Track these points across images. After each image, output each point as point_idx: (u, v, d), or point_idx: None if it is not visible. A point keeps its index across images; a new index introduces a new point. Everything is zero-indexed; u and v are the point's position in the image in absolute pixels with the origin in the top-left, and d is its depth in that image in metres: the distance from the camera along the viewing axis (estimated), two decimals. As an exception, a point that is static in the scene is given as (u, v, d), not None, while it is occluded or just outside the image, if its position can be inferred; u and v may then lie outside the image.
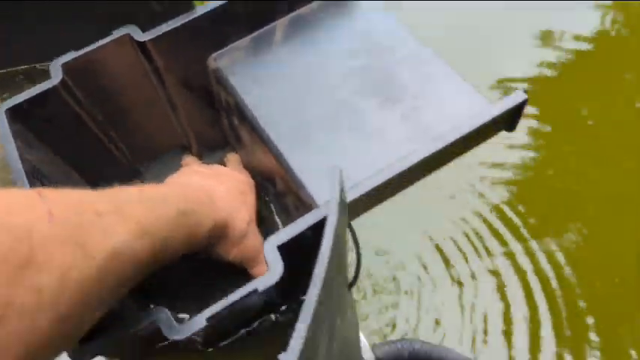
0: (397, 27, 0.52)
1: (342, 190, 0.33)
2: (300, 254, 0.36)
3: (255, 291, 0.34)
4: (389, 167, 0.38)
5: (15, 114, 0.47)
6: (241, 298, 0.34)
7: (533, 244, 1.50)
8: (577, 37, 1.98)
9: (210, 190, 0.44)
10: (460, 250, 1.53)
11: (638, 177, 1.58)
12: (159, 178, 0.59)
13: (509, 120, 0.41)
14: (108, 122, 0.55)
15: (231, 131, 0.58)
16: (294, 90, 0.50)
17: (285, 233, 0.36)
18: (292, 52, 0.52)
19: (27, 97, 0.47)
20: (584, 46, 1.99)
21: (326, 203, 0.38)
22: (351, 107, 0.47)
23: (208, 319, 0.33)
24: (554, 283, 1.44)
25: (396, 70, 0.49)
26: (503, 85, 1.89)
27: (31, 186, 0.42)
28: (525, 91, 0.39)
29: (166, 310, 0.34)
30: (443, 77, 0.47)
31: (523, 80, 1.90)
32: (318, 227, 0.37)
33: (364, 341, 1.18)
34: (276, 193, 0.52)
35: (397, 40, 0.51)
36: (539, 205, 1.56)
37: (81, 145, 0.53)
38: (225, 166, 0.58)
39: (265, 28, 0.54)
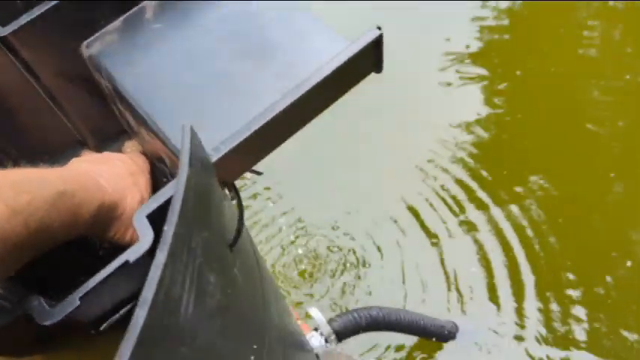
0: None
1: (196, 148, 0.33)
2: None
3: (126, 263, 0.33)
4: (254, 119, 0.38)
5: None
6: (114, 272, 0.33)
7: (503, 194, 1.56)
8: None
9: (93, 173, 0.44)
10: (434, 208, 1.57)
11: (579, 128, 1.66)
12: None
13: (373, 59, 0.41)
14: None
15: (121, 117, 0.57)
16: (169, 66, 0.49)
17: (155, 201, 0.35)
18: (164, 28, 0.51)
19: None
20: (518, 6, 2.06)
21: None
22: (228, 73, 0.47)
23: (81, 298, 0.33)
24: (529, 232, 1.50)
25: (268, 31, 0.49)
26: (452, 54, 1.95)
27: None
28: (379, 28, 0.40)
29: (39, 297, 0.33)
30: (313, 30, 0.48)
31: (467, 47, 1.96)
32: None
33: (319, 316, 1.19)
34: (171, 173, 0.52)
35: (267, 2, 0.51)
36: (505, 161, 1.63)
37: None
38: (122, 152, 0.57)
39: (135, 8, 0.53)
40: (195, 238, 0.31)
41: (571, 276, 1.43)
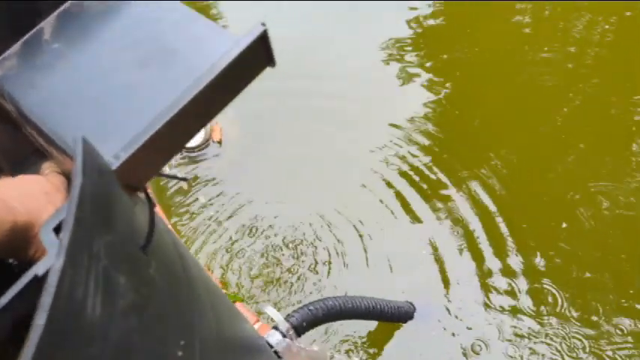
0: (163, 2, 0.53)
1: (91, 156, 0.34)
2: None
3: (35, 278, 0.34)
4: (151, 123, 0.40)
5: None
6: (24, 287, 0.34)
7: (465, 174, 1.62)
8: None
9: (3, 196, 0.44)
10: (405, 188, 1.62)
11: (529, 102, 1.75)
12: None
13: (263, 54, 0.43)
14: None
15: (34, 140, 0.57)
16: (72, 84, 0.50)
17: (59, 214, 0.36)
18: (65, 46, 0.52)
19: None
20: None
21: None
22: (130, 83, 0.48)
23: (-3, 314, 0.33)
24: (497, 188, 1.56)
25: (167, 37, 0.50)
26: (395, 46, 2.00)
27: None
28: (263, 24, 0.42)
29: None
30: (210, 33, 0.49)
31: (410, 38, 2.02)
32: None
33: (275, 314, 1.21)
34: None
35: (163, 10, 0.52)
36: (463, 145, 1.70)
37: None
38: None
39: (33, 30, 0.53)
40: (96, 243, 0.32)
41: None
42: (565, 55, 1.87)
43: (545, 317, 1.36)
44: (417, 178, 1.65)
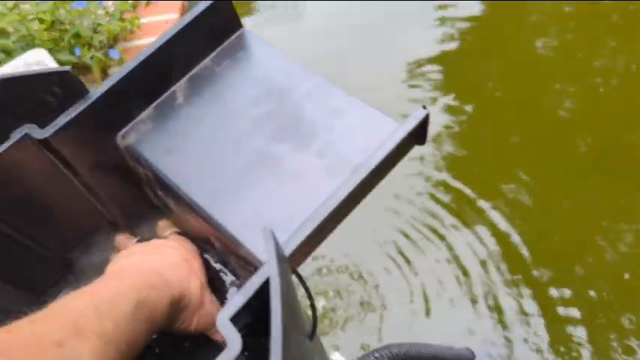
0: (291, 64, 0.53)
1: (278, 249, 0.34)
2: (255, 315, 0.37)
3: (217, 370, 0.34)
4: (319, 210, 0.40)
5: None
6: (207, 379, 0.34)
7: (482, 203, 1.60)
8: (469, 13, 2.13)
9: (156, 268, 0.44)
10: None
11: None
12: (91, 262, 0.58)
13: (418, 135, 0.43)
14: (27, 224, 0.53)
15: (157, 200, 0.58)
16: (206, 150, 0.50)
17: (234, 305, 0.36)
18: (197, 112, 0.53)
19: None
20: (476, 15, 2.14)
21: (265, 266, 0.38)
22: (266, 154, 0.49)
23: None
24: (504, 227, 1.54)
25: (300, 108, 0.50)
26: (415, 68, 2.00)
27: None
28: (424, 107, 0.42)
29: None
30: (347, 106, 0.49)
31: (430, 60, 2.02)
32: (264, 289, 0.37)
33: (342, 361, 1.20)
34: (218, 253, 0.52)
35: (295, 77, 0.52)
36: (478, 175, 1.69)
37: (8, 257, 0.52)
38: (157, 233, 0.58)
39: (165, 94, 0.54)
40: (292, 344, 0.32)
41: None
42: (589, 85, 1.86)
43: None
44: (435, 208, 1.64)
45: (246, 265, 0.45)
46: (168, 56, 0.52)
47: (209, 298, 0.49)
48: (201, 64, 0.55)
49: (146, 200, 0.60)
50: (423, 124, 0.42)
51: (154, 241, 0.51)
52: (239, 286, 0.52)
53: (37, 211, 0.54)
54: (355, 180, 0.40)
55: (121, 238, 0.58)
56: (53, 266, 0.56)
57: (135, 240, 0.57)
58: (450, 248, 1.56)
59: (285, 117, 0.50)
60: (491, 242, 1.55)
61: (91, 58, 1.88)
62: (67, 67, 0.48)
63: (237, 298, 0.37)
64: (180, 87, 0.54)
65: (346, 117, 0.48)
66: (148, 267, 0.44)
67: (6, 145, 0.48)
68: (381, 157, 0.41)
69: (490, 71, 1.98)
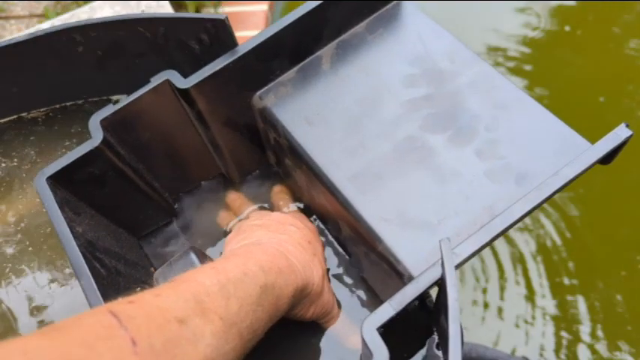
0: (457, 46, 0.48)
1: (452, 265, 0.30)
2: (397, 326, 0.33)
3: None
4: (493, 225, 0.35)
5: (57, 181, 0.44)
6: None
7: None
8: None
9: (283, 250, 0.41)
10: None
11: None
12: (198, 211, 0.56)
13: (608, 156, 0.37)
14: (147, 170, 0.51)
15: (279, 166, 0.55)
16: (350, 127, 0.46)
17: (383, 315, 0.33)
18: (342, 83, 0.48)
19: (69, 162, 0.44)
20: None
21: (422, 278, 0.34)
22: (418, 144, 0.44)
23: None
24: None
25: (462, 98, 0.45)
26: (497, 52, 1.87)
27: (89, 267, 0.39)
28: (627, 126, 0.36)
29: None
30: (517, 104, 0.43)
31: (512, 46, 1.87)
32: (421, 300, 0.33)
33: None
34: (341, 238, 0.49)
35: (459, 61, 0.47)
36: None
37: (124, 200, 0.50)
38: (271, 198, 0.55)
39: (310, 57, 0.50)
40: None
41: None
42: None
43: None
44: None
45: (380, 261, 0.41)
46: (321, 17, 0.48)
47: (327, 287, 0.45)
48: (353, 30, 0.51)
49: (265, 163, 0.57)
50: (621, 146, 0.36)
51: (276, 215, 0.48)
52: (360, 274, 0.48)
53: (159, 157, 0.52)
54: (538, 197, 0.35)
55: (232, 196, 0.56)
56: (160, 212, 0.54)
57: (250, 205, 0.55)
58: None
59: (443, 105, 0.45)
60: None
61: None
62: (223, 16, 0.45)
63: (387, 308, 0.33)
64: (327, 52, 0.50)
65: (514, 116, 0.43)
66: (274, 248, 0.41)
67: (145, 89, 0.46)
68: (569, 178, 0.35)
69: (572, 65, 1.79)
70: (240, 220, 0.52)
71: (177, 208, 0.56)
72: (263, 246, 0.41)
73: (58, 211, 0.41)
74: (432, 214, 0.40)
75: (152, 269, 0.51)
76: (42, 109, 0.58)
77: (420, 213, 0.40)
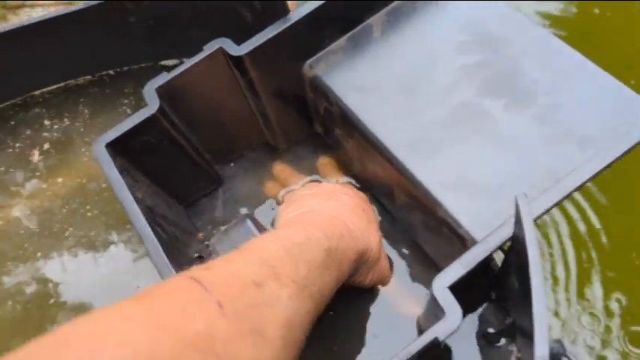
0: (509, 12, 0.47)
1: (528, 218, 0.30)
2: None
3: (435, 341, 0.31)
4: (565, 182, 0.35)
5: (114, 148, 0.44)
6: (423, 349, 0.31)
7: None
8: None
9: (340, 217, 0.41)
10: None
11: None
12: (243, 179, 0.56)
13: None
14: (196, 138, 0.52)
15: (328, 136, 0.55)
16: (403, 94, 0.46)
17: (454, 274, 0.33)
18: (394, 50, 0.48)
19: (126, 129, 0.44)
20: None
21: (493, 236, 0.34)
22: (474, 110, 0.44)
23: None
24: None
25: (518, 63, 0.44)
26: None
27: (154, 232, 0.39)
28: None
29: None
30: (577, 68, 0.43)
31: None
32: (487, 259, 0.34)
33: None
34: (393, 206, 0.49)
35: (513, 27, 0.46)
36: None
37: (175, 168, 0.50)
38: (317, 168, 0.55)
39: (360, 26, 0.50)
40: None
41: None
42: None
43: None
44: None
45: (439, 226, 0.41)
46: (372, -16, 0.47)
47: (384, 253, 0.46)
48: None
49: (311, 133, 0.57)
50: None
51: (326, 185, 0.48)
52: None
53: (208, 126, 0.52)
54: (605, 159, 0.35)
55: (279, 167, 0.56)
56: (207, 180, 0.55)
57: (297, 176, 0.55)
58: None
59: (499, 71, 0.45)
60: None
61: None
62: (276, -19, 0.45)
63: (457, 267, 0.33)
64: (377, 20, 0.50)
65: (574, 80, 0.42)
66: (331, 215, 0.41)
67: (198, 57, 0.46)
68: (636, 140, 0.35)
69: (600, 47, 1.75)
70: (289, 192, 0.53)
71: (222, 176, 0.56)
72: (320, 212, 0.41)
73: (120, 177, 0.42)
74: (492, 179, 0.40)
75: (200, 235, 0.52)
76: (89, 76, 0.58)
77: (480, 177, 0.40)
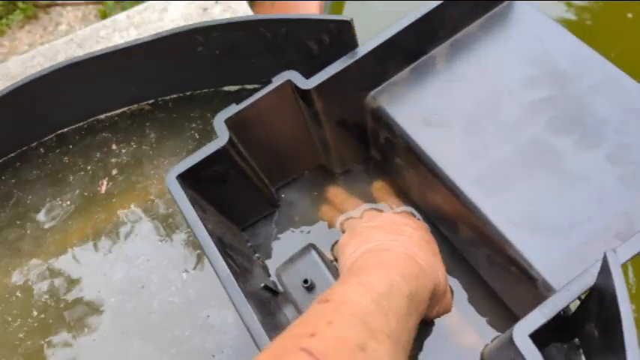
0: (578, 45, 0.47)
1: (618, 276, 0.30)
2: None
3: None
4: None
5: (184, 179, 0.45)
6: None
7: None
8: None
9: (410, 254, 0.41)
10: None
11: None
12: (298, 202, 0.56)
13: None
14: (257, 164, 0.52)
15: (386, 164, 0.55)
16: (470, 128, 0.46)
17: (535, 322, 0.33)
18: (459, 83, 0.48)
19: (197, 160, 0.45)
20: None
21: (574, 286, 0.34)
22: (543, 147, 0.44)
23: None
24: None
25: (588, 100, 0.44)
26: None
27: (227, 265, 0.40)
28: None
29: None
30: (645, 106, 0.43)
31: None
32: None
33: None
34: (456, 239, 0.49)
35: (581, 62, 0.46)
36: None
37: (239, 196, 0.51)
38: (372, 192, 0.55)
39: (424, 57, 0.50)
40: None
41: None
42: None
43: None
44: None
45: (507, 264, 0.42)
46: (439, 17, 0.48)
47: (449, 285, 0.46)
48: (466, 30, 0.50)
49: (370, 159, 0.57)
50: None
51: (387, 216, 0.48)
52: None
53: (269, 154, 0.53)
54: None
55: (334, 191, 0.56)
56: (265, 204, 0.55)
57: (352, 200, 0.55)
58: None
59: (568, 107, 0.45)
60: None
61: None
62: (348, 17, 0.45)
63: (537, 315, 0.34)
64: (440, 51, 0.50)
65: (645, 119, 0.42)
66: (403, 252, 0.41)
67: (267, 89, 0.47)
68: None
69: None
70: (348, 219, 0.53)
71: (278, 199, 0.57)
72: (392, 252, 0.41)
73: (192, 209, 0.43)
74: (563, 219, 0.40)
75: (260, 261, 0.53)
76: (151, 100, 0.60)
77: (551, 217, 0.40)
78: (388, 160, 0.54)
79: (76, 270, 0.54)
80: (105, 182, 0.55)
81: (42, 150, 0.58)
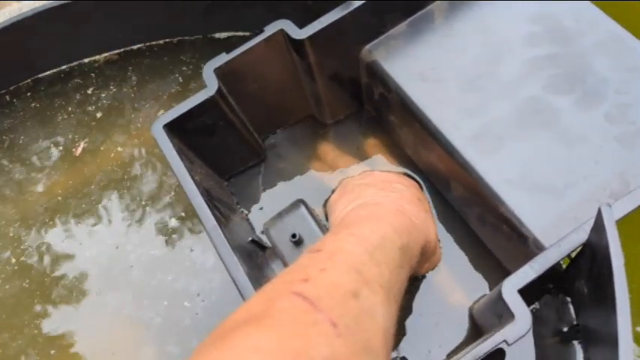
0: (582, 3, 0.45)
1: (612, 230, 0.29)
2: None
3: (504, 344, 0.31)
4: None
5: (172, 130, 0.44)
6: (490, 351, 0.31)
7: None
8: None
9: (402, 209, 0.41)
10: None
11: None
12: (285, 153, 0.55)
13: None
14: (246, 116, 0.51)
15: (382, 121, 0.54)
16: (468, 85, 0.45)
17: (524, 277, 0.32)
18: (458, 39, 0.47)
19: (185, 110, 0.44)
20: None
21: (565, 242, 0.34)
22: (541, 106, 0.42)
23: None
24: None
25: (589, 59, 0.43)
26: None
27: (214, 216, 0.39)
28: None
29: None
30: (648, 66, 0.42)
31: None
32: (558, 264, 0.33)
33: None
34: (448, 197, 0.48)
35: (585, 21, 0.45)
36: None
37: (225, 147, 0.50)
38: (365, 150, 0.54)
39: (422, 11, 0.48)
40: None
41: None
42: None
43: None
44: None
45: (499, 222, 0.41)
46: (439, -32, 0.46)
47: (439, 242, 0.45)
48: (467, -17, 0.49)
49: (363, 116, 0.56)
50: None
51: (379, 174, 0.47)
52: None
53: (259, 106, 0.51)
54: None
55: (326, 148, 0.55)
56: (251, 154, 0.54)
57: (344, 156, 0.54)
58: None
59: (568, 66, 0.43)
60: None
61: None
62: (344, -38, 0.43)
63: (528, 271, 0.33)
64: (439, 6, 0.48)
65: (647, 79, 0.41)
66: (395, 208, 0.40)
67: (258, 38, 0.45)
68: None
69: None
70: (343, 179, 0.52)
71: (265, 151, 0.55)
72: (384, 206, 0.40)
73: (179, 160, 0.42)
74: (558, 178, 0.39)
75: (243, 215, 0.51)
76: (143, 44, 0.57)
77: (545, 176, 0.40)
78: (382, 117, 0.52)
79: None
80: (82, 144, 0.53)
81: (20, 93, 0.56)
